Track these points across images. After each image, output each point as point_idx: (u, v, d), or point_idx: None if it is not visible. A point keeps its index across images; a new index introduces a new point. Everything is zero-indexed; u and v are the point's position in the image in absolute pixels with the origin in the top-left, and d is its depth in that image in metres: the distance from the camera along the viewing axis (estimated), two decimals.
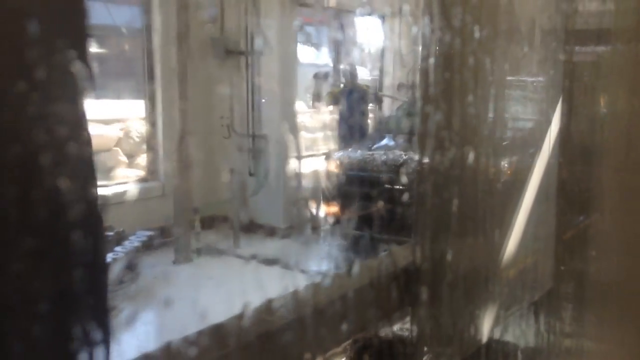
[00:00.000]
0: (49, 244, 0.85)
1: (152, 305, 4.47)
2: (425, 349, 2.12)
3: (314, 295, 1.58)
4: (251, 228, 6.41)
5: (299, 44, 7.67)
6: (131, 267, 4.71)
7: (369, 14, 7.86)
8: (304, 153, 7.91)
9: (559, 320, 2.53)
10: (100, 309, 0.94)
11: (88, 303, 0.92)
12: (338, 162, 6.22)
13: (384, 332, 2.54)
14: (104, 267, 0.97)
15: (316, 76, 8.03)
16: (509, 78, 2.35)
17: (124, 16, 8.60)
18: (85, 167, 0.91)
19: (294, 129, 7.17)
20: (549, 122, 2.43)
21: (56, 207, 0.84)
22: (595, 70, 2.56)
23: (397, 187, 5.43)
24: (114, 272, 4.51)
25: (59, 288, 0.87)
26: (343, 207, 5.97)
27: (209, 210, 6.34)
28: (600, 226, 2.42)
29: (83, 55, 0.94)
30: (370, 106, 8.05)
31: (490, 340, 2.30)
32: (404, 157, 5.77)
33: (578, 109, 2.25)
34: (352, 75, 7.56)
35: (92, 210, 0.90)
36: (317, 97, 8.10)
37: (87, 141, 1.00)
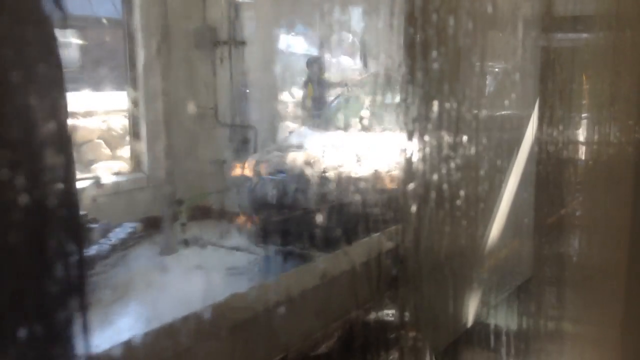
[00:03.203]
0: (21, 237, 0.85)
1: (134, 295, 4.48)
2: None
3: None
4: (237, 218, 6.40)
5: (283, 33, 7.64)
6: (115, 258, 4.70)
7: (352, 5, 7.82)
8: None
9: (542, 303, 2.57)
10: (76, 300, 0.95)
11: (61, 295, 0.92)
12: (252, 164, 5.61)
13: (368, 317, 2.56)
14: (80, 259, 0.97)
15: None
16: (489, 65, 2.37)
17: (105, 7, 8.51)
18: (62, 161, 0.91)
19: (279, 119, 7.16)
20: (528, 111, 2.45)
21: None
22: (574, 56, 2.59)
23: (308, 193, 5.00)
24: (97, 263, 4.50)
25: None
26: (252, 215, 5.43)
27: (195, 201, 6.33)
28: (579, 212, 2.46)
29: (53, 45, 0.94)
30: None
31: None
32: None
33: (556, 97, 2.28)
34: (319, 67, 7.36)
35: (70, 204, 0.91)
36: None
37: (65, 134, 1.00)
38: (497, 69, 2.49)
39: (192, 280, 4.77)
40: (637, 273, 2.21)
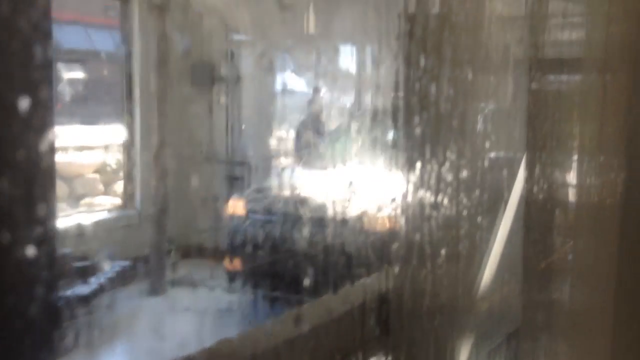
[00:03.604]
0: None
1: (118, 338, 4.39)
2: None
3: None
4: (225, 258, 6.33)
5: (278, 71, 7.69)
6: (103, 298, 4.62)
7: (348, 43, 7.89)
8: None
9: (531, 351, 2.50)
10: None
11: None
12: (240, 203, 5.47)
13: None
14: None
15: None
16: (481, 107, 2.34)
17: (104, 41, 8.59)
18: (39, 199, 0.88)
19: (273, 157, 7.15)
20: (516, 155, 2.42)
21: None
22: (562, 100, 2.57)
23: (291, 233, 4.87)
24: (83, 302, 4.42)
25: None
26: (238, 258, 5.24)
27: (186, 239, 6.27)
28: (566, 259, 2.41)
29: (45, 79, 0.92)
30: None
31: None
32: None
33: (544, 140, 2.25)
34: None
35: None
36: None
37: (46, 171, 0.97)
38: (485, 112, 2.46)
39: (180, 322, 4.67)
40: (623, 319, 2.16)
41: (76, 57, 8.31)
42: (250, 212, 5.22)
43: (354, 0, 5.97)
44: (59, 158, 6.39)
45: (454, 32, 2.23)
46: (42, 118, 0.96)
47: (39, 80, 0.94)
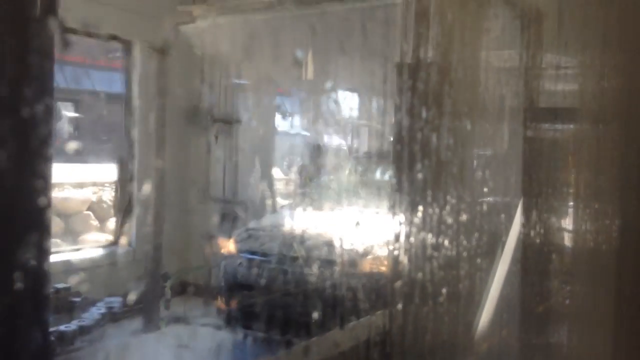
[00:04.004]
0: None
1: None
2: None
3: None
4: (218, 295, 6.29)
5: (276, 114, 7.83)
6: (96, 335, 4.58)
7: (344, 89, 8.05)
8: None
9: None
10: None
11: None
12: (236, 241, 5.45)
13: None
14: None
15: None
16: (475, 152, 2.41)
17: (104, 81, 8.72)
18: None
19: (269, 197, 7.19)
20: (513, 199, 2.49)
21: None
22: (557, 148, 2.65)
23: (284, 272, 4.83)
24: (76, 338, 4.38)
25: None
26: (232, 296, 5.19)
27: (181, 276, 6.25)
28: (564, 302, 2.45)
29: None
30: None
31: None
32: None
33: (540, 186, 2.32)
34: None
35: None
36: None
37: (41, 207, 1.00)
38: (483, 158, 2.54)
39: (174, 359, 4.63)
40: None
41: (77, 97, 8.42)
42: (244, 251, 5.21)
43: (351, 50, 6.12)
44: (56, 194, 6.41)
45: (450, 83, 2.33)
46: (40, 154, 0.97)
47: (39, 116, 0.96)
